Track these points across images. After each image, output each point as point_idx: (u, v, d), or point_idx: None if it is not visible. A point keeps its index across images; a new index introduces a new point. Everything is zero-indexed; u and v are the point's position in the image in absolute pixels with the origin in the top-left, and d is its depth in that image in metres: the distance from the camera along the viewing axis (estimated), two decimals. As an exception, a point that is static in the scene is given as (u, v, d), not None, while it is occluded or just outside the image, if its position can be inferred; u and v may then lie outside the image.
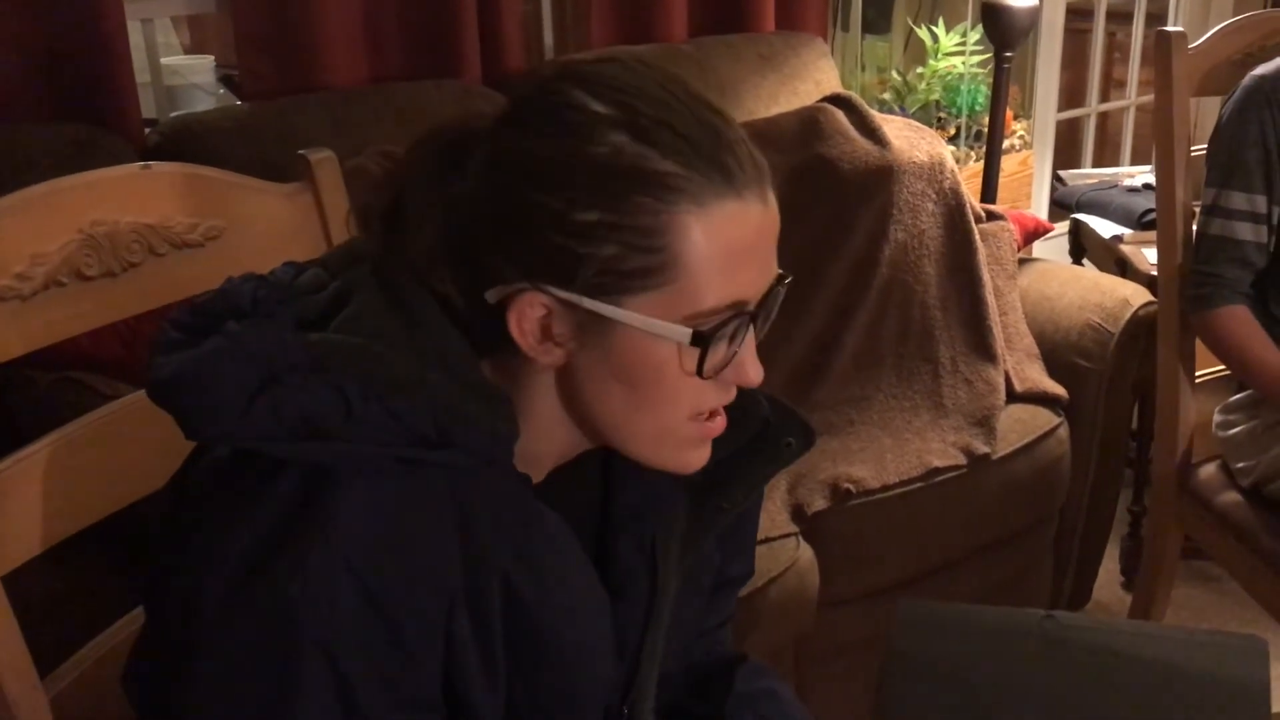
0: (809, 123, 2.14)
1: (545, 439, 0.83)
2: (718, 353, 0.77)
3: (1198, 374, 1.88)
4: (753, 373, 0.80)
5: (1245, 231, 1.69)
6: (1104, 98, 3.55)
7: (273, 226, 1.15)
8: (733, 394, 0.82)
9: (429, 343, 0.76)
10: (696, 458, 0.83)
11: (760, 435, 0.92)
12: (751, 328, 0.79)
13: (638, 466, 0.85)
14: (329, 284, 0.80)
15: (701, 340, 0.75)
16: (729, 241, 0.74)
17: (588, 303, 0.74)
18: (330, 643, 0.72)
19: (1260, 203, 1.69)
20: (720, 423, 0.83)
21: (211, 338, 0.75)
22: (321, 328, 0.76)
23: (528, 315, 0.76)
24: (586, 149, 0.73)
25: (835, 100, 2.22)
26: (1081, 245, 2.67)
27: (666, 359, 0.76)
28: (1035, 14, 2.41)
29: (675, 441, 0.81)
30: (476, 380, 0.77)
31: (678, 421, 0.80)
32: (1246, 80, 1.70)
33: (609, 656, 0.88)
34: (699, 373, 0.76)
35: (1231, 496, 1.79)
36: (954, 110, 2.89)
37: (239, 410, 0.72)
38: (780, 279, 0.80)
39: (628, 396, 0.78)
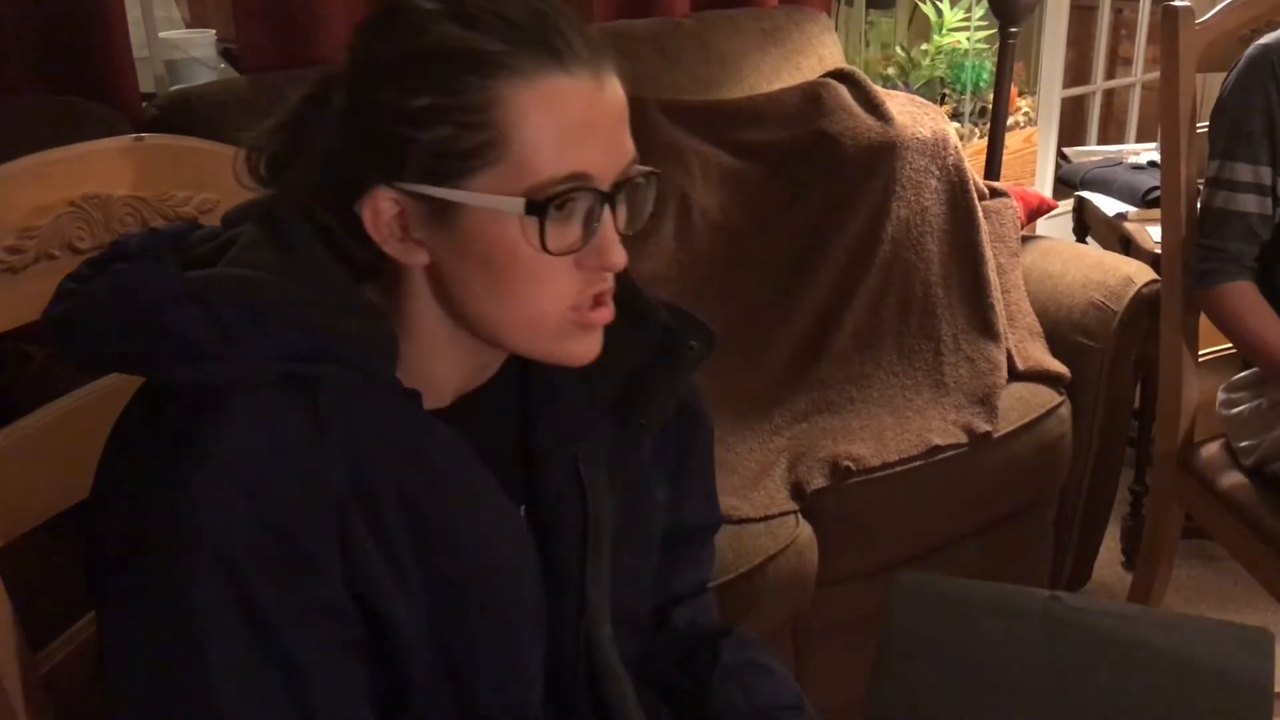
0: (812, 98, 2.13)
1: (437, 355, 0.85)
2: (566, 229, 0.78)
3: (1201, 353, 1.87)
4: (616, 255, 0.81)
5: (1250, 204, 1.68)
6: (1109, 75, 3.53)
7: (268, 200, 1.14)
8: (606, 282, 0.83)
9: (305, 269, 0.79)
10: (583, 349, 0.84)
11: (663, 345, 0.94)
12: (609, 210, 0.80)
13: (553, 393, 0.87)
14: (222, 234, 0.84)
15: (537, 209, 0.77)
16: (560, 115, 0.77)
17: (431, 190, 0.77)
18: (225, 552, 0.73)
19: (1265, 174, 1.67)
20: (604, 312, 0.83)
21: (96, 279, 0.78)
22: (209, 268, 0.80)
23: (382, 213, 0.79)
24: (417, 41, 0.77)
25: (838, 75, 2.21)
26: (1085, 223, 2.66)
27: (515, 238, 0.78)
28: (1041, -11, 2.40)
29: (553, 331, 0.82)
30: (353, 301, 0.80)
31: (548, 309, 0.81)
32: (1250, 50, 1.68)
33: (533, 578, 0.89)
34: (543, 246, 0.77)
35: (1234, 476, 1.79)
36: (958, 86, 2.87)
37: (118, 338, 0.75)
38: (645, 173, 0.82)
39: (489, 284, 0.80)
